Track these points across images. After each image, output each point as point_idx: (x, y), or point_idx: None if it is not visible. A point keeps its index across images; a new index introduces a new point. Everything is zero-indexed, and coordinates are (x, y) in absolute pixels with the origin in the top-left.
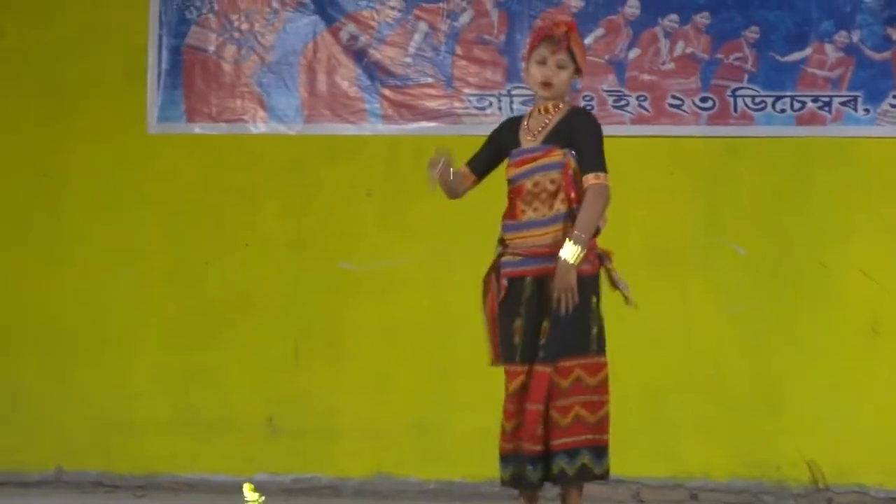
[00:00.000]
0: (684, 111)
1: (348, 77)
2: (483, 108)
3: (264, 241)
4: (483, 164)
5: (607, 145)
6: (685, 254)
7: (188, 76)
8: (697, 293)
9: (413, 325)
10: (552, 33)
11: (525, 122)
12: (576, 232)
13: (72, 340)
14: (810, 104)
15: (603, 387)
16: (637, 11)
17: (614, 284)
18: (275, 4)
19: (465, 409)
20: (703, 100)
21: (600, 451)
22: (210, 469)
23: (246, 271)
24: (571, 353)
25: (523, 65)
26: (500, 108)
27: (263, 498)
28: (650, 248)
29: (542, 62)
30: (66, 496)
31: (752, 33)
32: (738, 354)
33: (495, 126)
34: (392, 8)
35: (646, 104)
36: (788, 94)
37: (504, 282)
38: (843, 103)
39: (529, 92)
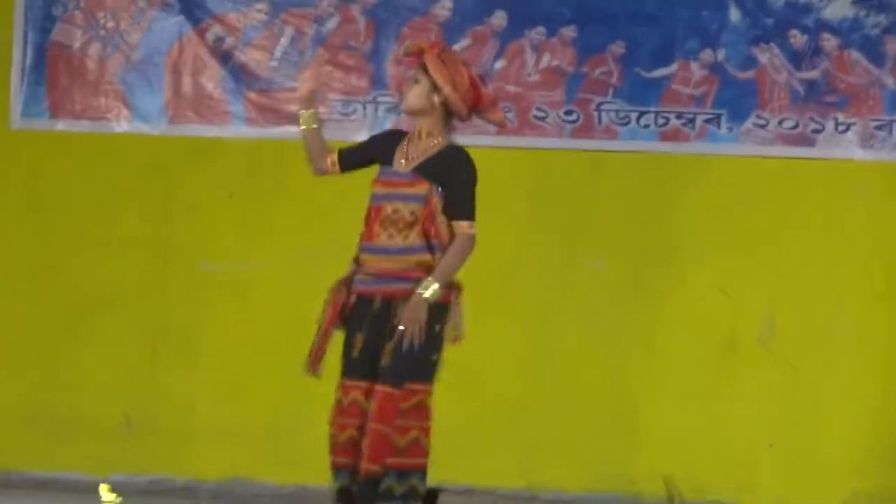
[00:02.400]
0: (548, 123)
1: (213, 79)
2: (347, 115)
3: (125, 240)
4: (352, 160)
5: (472, 154)
6: (546, 268)
7: (52, 72)
8: (557, 309)
9: (271, 329)
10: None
11: (405, 143)
12: (438, 273)
13: None
14: (674, 120)
15: (429, 411)
16: (504, 23)
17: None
18: (141, 4)
19: (320, 414)
20: (568, 112)
21: (425, 474)
22: (64, 468)
23: (106, 270)
24: (414, 378)
25: None
26: (364, 115)
27: (121, 499)
28: (511, 261)
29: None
30: None
31: (618, 48)
32: (597, 370)
33: (364, 132)
34: (259, 11)
35: (510, 115)
36: (652, 109)
37: (353, 298)
38: (706, 121)
39: (394, 99)
